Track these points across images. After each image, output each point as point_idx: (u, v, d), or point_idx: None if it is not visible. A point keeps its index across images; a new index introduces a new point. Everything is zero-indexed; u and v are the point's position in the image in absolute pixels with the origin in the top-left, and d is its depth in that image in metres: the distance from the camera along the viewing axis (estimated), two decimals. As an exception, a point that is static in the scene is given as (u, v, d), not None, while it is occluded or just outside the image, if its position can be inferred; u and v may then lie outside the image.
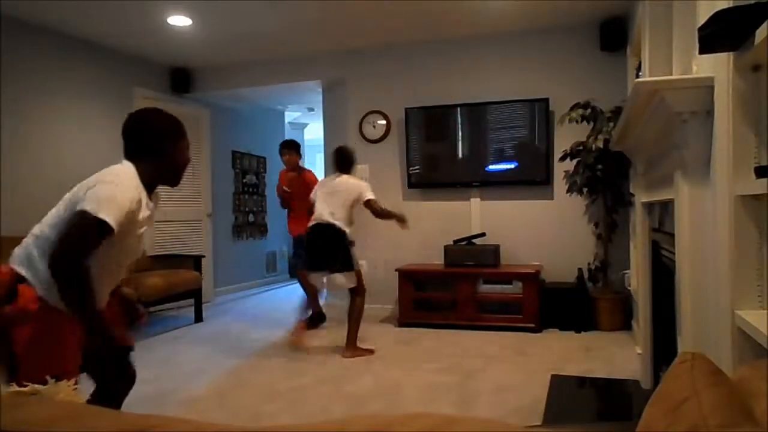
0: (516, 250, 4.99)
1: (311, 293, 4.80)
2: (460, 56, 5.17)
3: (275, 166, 7.05)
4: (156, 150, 1.83)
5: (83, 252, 1.62)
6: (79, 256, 1.61)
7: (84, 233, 1.62)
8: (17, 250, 1.74)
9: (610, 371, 3.41)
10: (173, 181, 1.91)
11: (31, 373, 1.55)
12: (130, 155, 1.83)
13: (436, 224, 5.22)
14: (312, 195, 4.23)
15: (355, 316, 4.06)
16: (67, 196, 1.76)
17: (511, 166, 4.97)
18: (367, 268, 5.47)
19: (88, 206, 1.62)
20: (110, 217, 1.62)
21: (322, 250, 4.04)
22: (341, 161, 4.21)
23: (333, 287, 4.18)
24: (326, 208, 4.07)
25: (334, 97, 5.82)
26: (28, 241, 1.74)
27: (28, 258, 1.69)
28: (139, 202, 1.75)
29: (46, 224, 1.74)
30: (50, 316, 1.67)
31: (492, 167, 5.02)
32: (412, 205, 5.33)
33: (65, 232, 1.63)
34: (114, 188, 1.67)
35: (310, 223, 4.12)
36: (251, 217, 7.19)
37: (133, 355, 2.00)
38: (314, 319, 4.96)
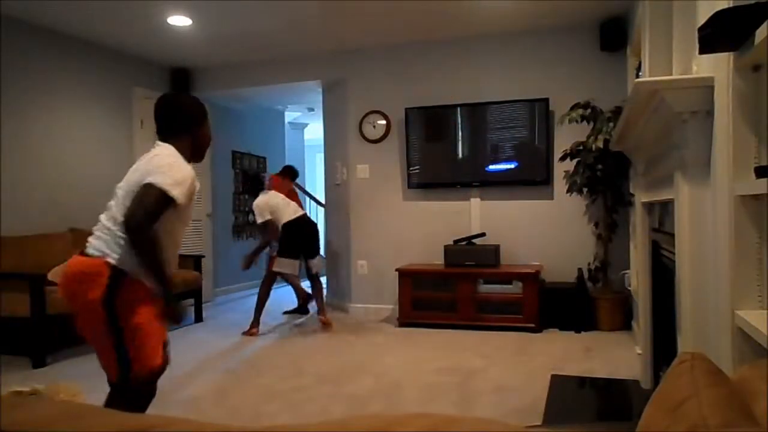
0: (516, 250, 4.99)
1: (299, 285, 5.10)
2: (460, 56, 5.17)
3: (275, 167, 7.05)
4: (187, 129, 2.04)
5: (152, 216, 1.78)
6: (148, 219, 1.77)
7: (152, 200, 1.78)
8: (96, 242, 1.87)
9: (610, 371, 3.41)
10: (199, 157, 2.10)
11: (140, 351, 1.83)
12: (164, 135, 2.01)
13: (436, 224, 5.22)
14: (271, 208, 4.74)
15: (322, 292, 4.92)
16: (123, 185, 1.90)
17: (511, 166, 4.97)
18: (368, 269, 5.48)
19: (153, 179, 1.80)
20: (176, 190, 1.82)
21: (311, 239, 4.88)
22: (260, 184, 5.00)
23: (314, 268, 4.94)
24: (296, 206, 4.91)
25: (334, 97, 5.82)
26: (109, 228, 1.87)
27: (118, 245, 1.83)
28: (194, 176, 1.95)
29: (118, 214, 1.86)
30: (143, 290, 1.86)
31: (492, 167, 5.02)
32: (412, 205, 5.33)
33: (135, 201, 1.79)
34: (176, 167, 1.88)
35: (297, 215, 4.78)
36: (251, 217, 7.18)
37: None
38: (302, 307, 5.37)
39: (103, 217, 1.91)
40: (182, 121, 2.03)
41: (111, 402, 1.89)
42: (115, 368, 1.84)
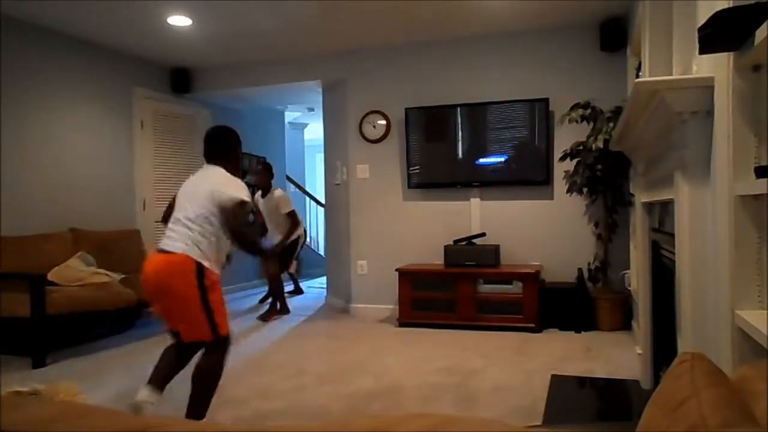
0: (516, 250, 4.99)
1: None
2: (460, 56, 5.17)
3: (276, 167, 7.04)
4: (231, 153, 2.73)
5: (247, 220, 2.62)
6: (246, 221, 2.63)
7: (244, 211, 2.55)
8: (178, 243, 2.44)
9: (610, 371, 3.41)
10: (236, 175, 2.69)
11: (218, 314, 2.48)
12: (212, 158, 2.67)
13: (436, 224, 5.22)
14: (289, 208, 5.38)
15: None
16: (190, 197, 2.53)
17: (512, 166, 4.97)
18: (368, 269, 5.48)
19: (236, 195, 2.50)
20: (246, 195, 2.55)
21: None
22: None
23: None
24: None
25: (334, 97, 5.82)
26: (184, 231, 2.46)
27: (196, 245, 2.44)
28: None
29: (195, 221, 2.47)
30: (216, 277, 2.51)
31: (492, 167, 5.01)
32: (412, 205, 5.33)
33: (232, 215, 2.49)
34: (240, 184, 2.59)
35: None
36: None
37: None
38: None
39: (176, 225, 2.49)
40: (227, 149, 2.72)
41: (204, 357, 2.53)
42: (209, 331, 2.47)
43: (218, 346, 2.53)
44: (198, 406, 2.50)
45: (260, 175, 5.46)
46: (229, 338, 2.59)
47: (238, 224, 2.51)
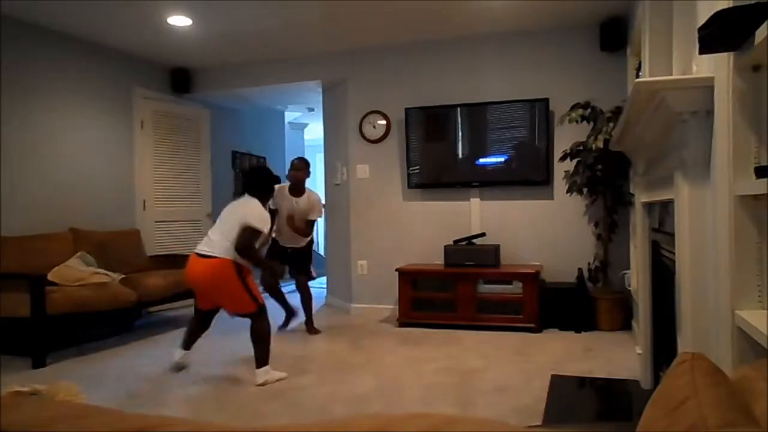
0: (516, 250, 4.99)
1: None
2: (460, 56, 5.16)
3: (276, 166, 7.05)
4: (267, 192, 3.54)
5: (252, 242, 3.27)
6: (251, 244, 3.27)
7: (251, 236, 3.26)
8: (216, 250, 3.24)
9: (610, 371, 3.41)
10: (265, 204, 3.50)
11: (255, 291, 3.34)
12: (250, 191, 3.46)
13: (436, 224, 5.22)
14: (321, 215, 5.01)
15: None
16: (226, 217, 3.38)
17: (512, 166, 4.97)
18: (368, 269, 5.48)
19: (251, 223, 3.26)
20: (260, 226, 3.30)
21: None
22: None
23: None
24: None
25: (334, 97, 5.82)
26: (216, 239, 3.29)
27: (225, 250, 3.22)
28: (268, 216, 3.44)
29: (223, 232, 3.29)
30: (248, 269, 3.34)
31: (492, 167, 5.01)
32: (412, 205, 5.33)
33: (241, 236, 3.22)
34: (262, 213, 3.35)
35: None
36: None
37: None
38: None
39: (214, 235, 3.32)
40: (265, 189, 3.51)
41: (255, 323, 3.36)
42: (253, 305, 3.31)
43: (261, 312, 3.35)
44: (263, 357, 3.36)
45: (301, 172, 4.67)
46: (265, 305, 3.40)
47: (243, 245, 3.23)
